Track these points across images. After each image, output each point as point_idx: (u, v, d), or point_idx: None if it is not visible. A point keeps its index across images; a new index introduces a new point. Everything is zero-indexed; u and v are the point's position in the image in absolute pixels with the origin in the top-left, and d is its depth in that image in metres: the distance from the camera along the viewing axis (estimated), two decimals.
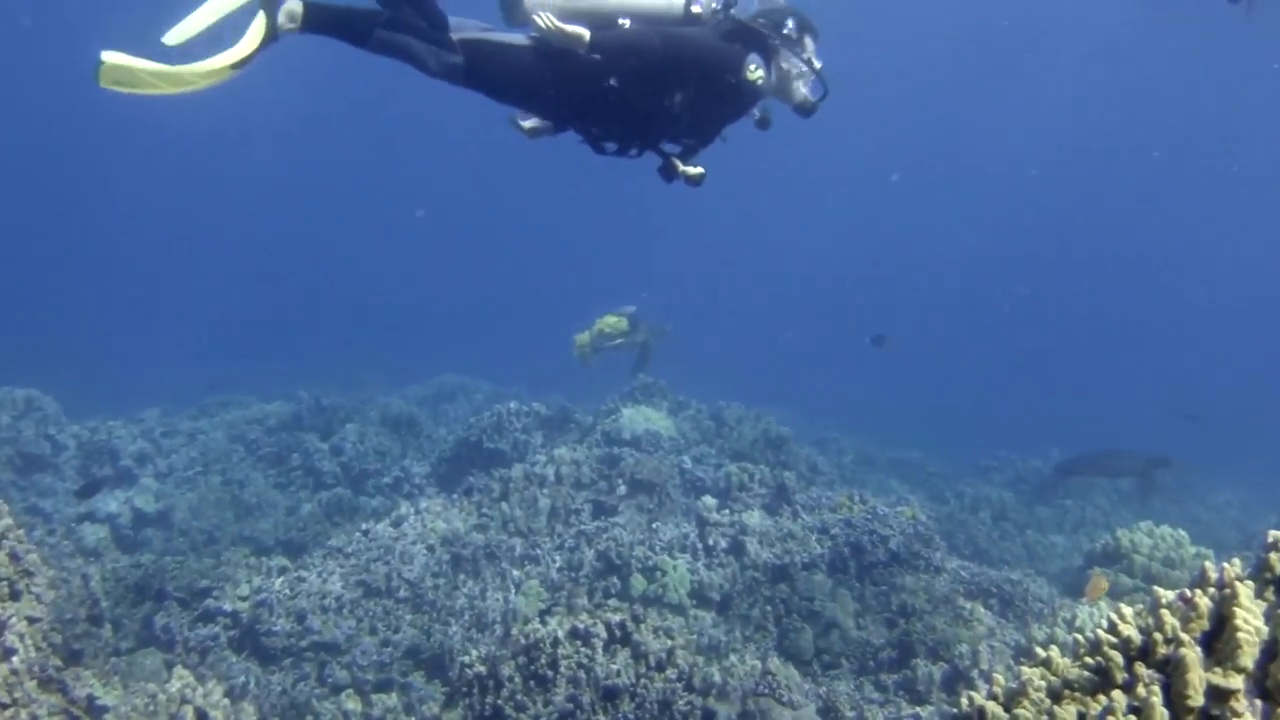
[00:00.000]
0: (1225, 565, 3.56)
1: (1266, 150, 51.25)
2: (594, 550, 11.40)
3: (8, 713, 6.49)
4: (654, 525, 12.12)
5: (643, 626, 8.17)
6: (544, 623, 8.35)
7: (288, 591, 10.51)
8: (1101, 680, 3.48)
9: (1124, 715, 3.16)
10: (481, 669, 7.89)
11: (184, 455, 16.70)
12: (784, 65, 6.39)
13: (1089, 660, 3.57)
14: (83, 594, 9.69)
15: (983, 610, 10.80)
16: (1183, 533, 12.31)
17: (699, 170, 6.52)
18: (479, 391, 24.60)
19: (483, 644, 9.77)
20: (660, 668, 7.90)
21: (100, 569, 11.20)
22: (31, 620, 7.29)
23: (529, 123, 6.69)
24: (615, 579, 10.99)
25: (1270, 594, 3.46)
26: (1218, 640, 3.33)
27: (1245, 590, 3.37)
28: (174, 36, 4.93)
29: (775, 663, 8.25)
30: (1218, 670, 3.20)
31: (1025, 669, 3.72)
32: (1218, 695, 3.16)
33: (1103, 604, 10.88)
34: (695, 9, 6.06)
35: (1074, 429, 29.55)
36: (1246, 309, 59.61)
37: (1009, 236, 63.98)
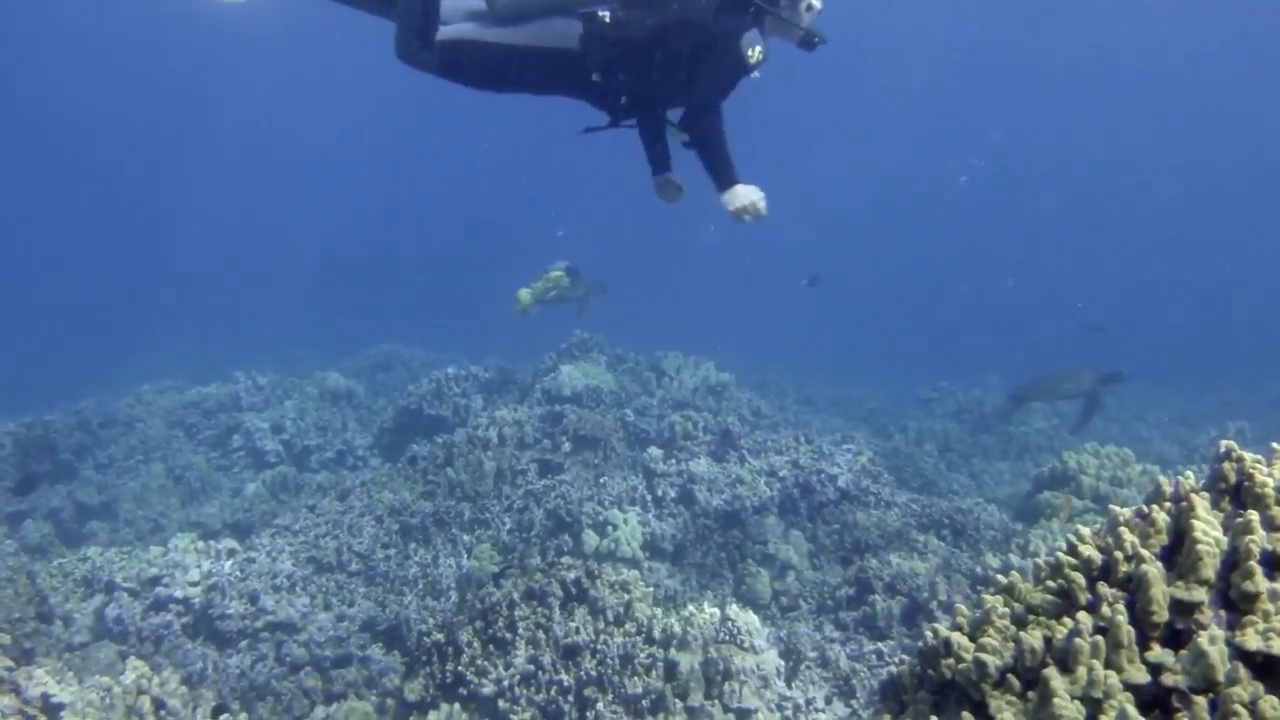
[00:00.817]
0: (1179, 478, 3.55)
1: None
2: (543, 509, 11.36)
3: None
4: (601, 480, 12.10)
5: (598, 582, 8.14)
6: (499, 585, 8.30)
7: (239, 573, 10.42)
8: (1065, 603, 3.46)
9: (1090, 636, 3.14)
10: (439, 636, 7.84)
11: (123, 444, 16.49)
12: (784, 16, 6.28)
13: (1051, 584, 3.55)
14: (29, 592, 9.57)
15: (936, 541, 10.85)
16: (1128, 451, 12.38)
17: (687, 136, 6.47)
18: (415, 359, 24.43)
19: (439, 612, 9.73)
20: (619, 622, 7.88)
21: (45, 565, 11.08)
22: None
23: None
24: (567, 536, 10.96)
25: (1226, 504, 3.45)
26: (1178, 554, 3.31)
27: (1201, 502, 3.36)
28: None
29: (734, 609, 8.22)
30: (1180, 584, 3.18)
31: (988, 597, 3.69)
32: (1182, 609, 3.14)
33: (1055, 526, 10.95)
34: None
35: (1008, 355, 29.83)
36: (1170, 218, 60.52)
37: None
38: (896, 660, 8.44)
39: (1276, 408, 23.58)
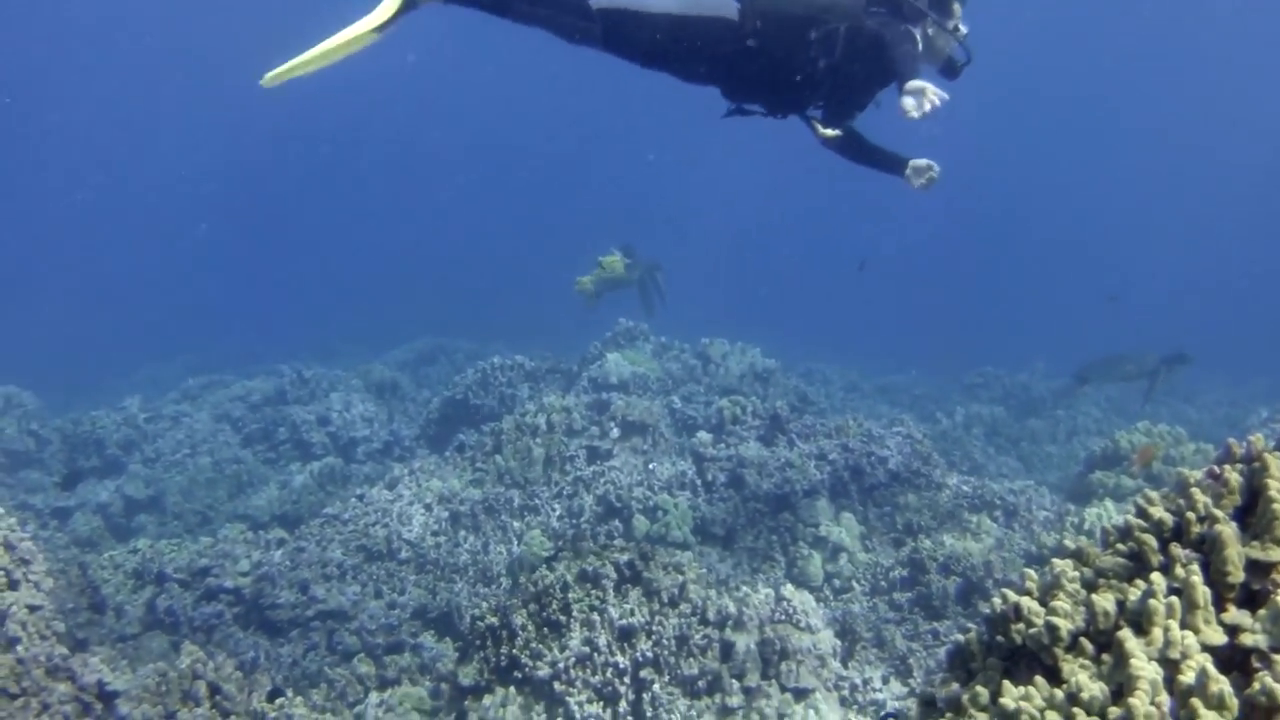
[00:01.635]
0: (1251, 439, 3.49)
1: None
2: (593, 495, 11.35)
3: (18, 702, 6.41)
4: (650, 466, 12.06)
5: (652, 564, 8.11)
6: (551, 569, 8.28)
7: (288, 563, 10.43)
8: (1137, 565, 3.41)
9: (1164, 597, 3.09)
10: (493, 620, 7.82)
11: (170, 439, 16.55)
12: (930, 31, 6.26)
13: (1121, 547, 3.49)
14: (81, 583, 9.61)
15: (989, 522, 10.78)
16: (1181, 430, 12.27)
17: (835, 132, 6.46)
18: (459, 351, 24.42)
19: (491, 597, 9.71)
20: (674, 604, 7.84)
21: (97, 557, 11.12)
22: (33, 609, 7.20)
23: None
24: (617, 521, 10.94)
25: None
26: (1251, 515, 3.26)
27: (1275, 461, 3.30)
28: (274, 78, 5.13)
29: (789, 589, 8.19)
30: (1255, 544, 3.13)
31: (1057, 561, 3.64)
32: (1258, 569, 3.09)
33: (1109, 504, 10.85)
34: None
35: (1053, 339, 29.66)
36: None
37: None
38: (960, 632, 8.41)
39: None
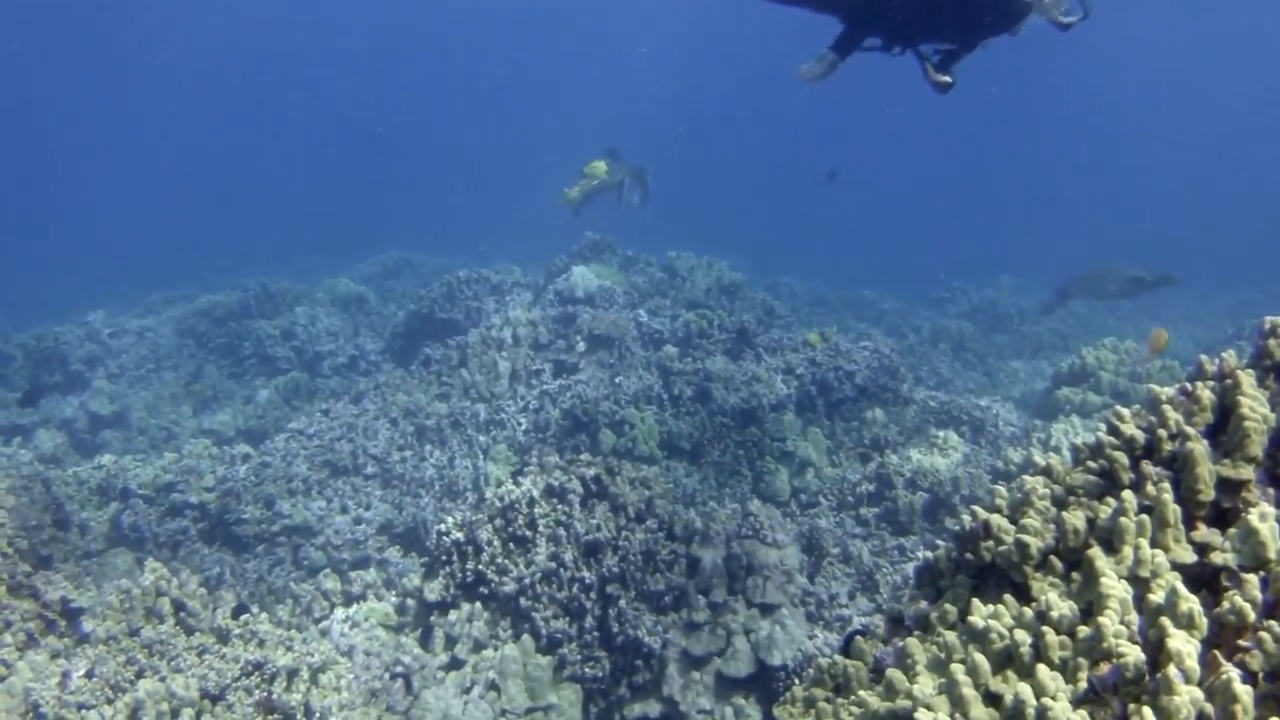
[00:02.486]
0: (1224, 355, 3.46)
1: None
2: (559, 409, 11.30)
3: None
4: (617, 380, 12.02)
5: (618, 479, 8.09)
6: (518, 484, 8.25)
7: (254, 478, 10.38)
8: (1107, 483, 3.39)
9: (1135, 515, 3.06)
10: (459, 535, 7.79)
11: (134, 354, 16.41)
12: None
13: (1092, 464, 3.47)
14: (45, 499, 9.54)
15: (955, 438, 10.79)
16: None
17: (948, 79, 6.45)
18: (425, 265, 24.30)
19: (457, 512, 9.69)
20: (640, 519, 7.83)
21: (61, 474, 11.04)
22: None
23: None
24: (584, 436, 10.90)
25: (1271, 381, 3.36)
26: (1223, 432, 3.23)
27: (1248, 379, 3.28)
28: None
29: (756, 504, 8.20)
30: (1226, 462, 3.11)
31: (1027, 478, 3.62)
32: (1228, 487, 3.07)
33: (1076, 420, 10.88)
34: None
35: (1021, 254, 29.73)
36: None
37: None
38: (927, 549, 8.43)
39: None
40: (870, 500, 9.93)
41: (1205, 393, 3.34)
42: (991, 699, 2.89)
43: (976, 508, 3.61)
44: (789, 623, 7.48)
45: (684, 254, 16.83)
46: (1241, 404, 3.15)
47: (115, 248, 34.96)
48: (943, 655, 3.17)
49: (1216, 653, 2.54)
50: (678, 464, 10.76)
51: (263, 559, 9.72)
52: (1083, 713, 2.59)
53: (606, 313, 13.51)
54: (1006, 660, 2.98)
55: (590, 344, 12.68)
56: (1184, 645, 2.52)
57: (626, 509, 7.84)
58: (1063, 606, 2.94)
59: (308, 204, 46.78)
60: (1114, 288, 14.51)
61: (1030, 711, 2.63)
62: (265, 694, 5.87)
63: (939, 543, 3.89)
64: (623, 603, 7.32)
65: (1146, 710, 2.37)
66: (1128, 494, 3.15)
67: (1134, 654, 2.60)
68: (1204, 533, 2.99)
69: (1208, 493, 3.06)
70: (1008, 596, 3.19)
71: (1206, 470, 3.07)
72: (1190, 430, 3.23)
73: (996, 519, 3.48)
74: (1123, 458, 3.35)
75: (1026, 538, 3.28)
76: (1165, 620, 2.63)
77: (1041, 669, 2.75)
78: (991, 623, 3.06)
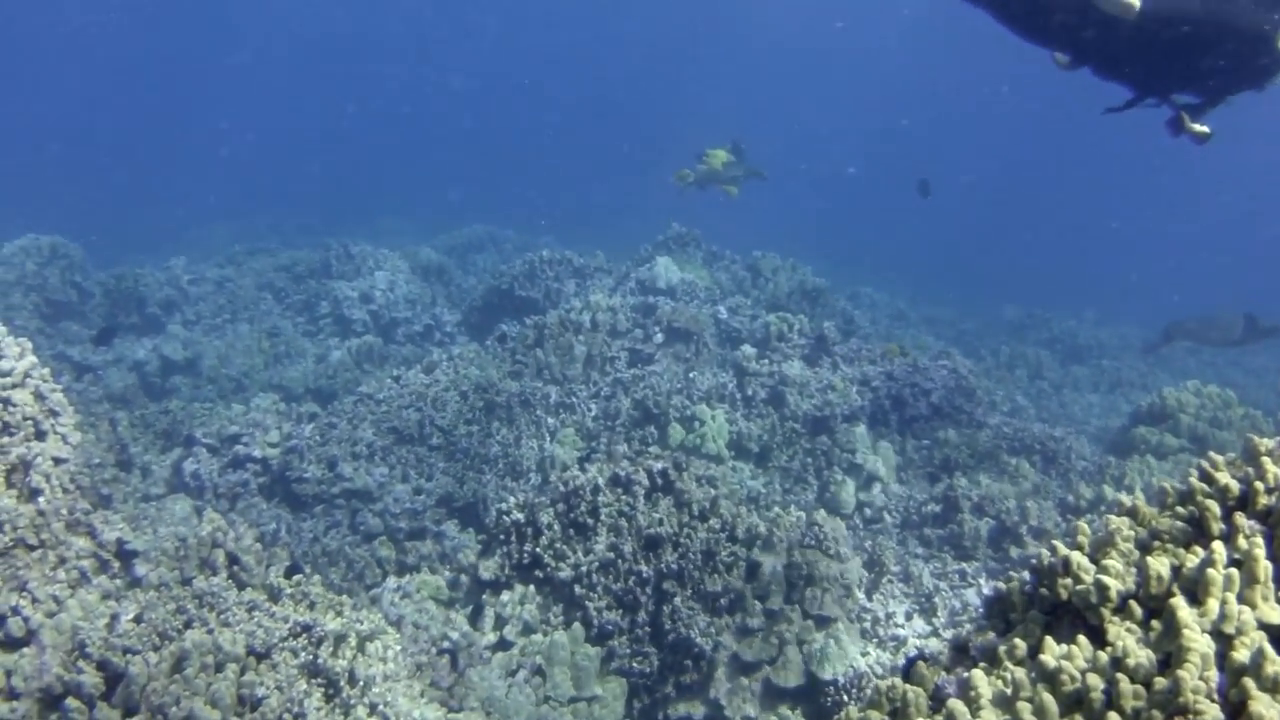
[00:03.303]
0: None
1: None
2: (631, 399, 11.23)
3: (35, 554, 6.37)
4: (691, 375, 11.93)
5: (685, 475, 8.01)
6: (583, 470, 8.18)
7: (318, 438, 10.36)
8: (1195, 531, 3.27)
9: (1224, 568, 2.95)
10: (519, 516, 7.75)
11: (212, 303, 16.53)
12: None
13: (1181, 510, 3.36)
14: (111, 438, 9.59)
15: (1027, 466, 10.63)
16: (1230, 393, 12.06)
17: (1205, 129, 6.34)
18: (508, 241, 24.29)
19: (519, 492, 9.63)
20: (703, 517, 7.75)
21: (128, 414, 11.09)
22: (58, 461, 7.15)
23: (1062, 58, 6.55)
24: (652, 428, 10.82)
25: None
26: None
27: None
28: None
29: (821, 514, 8.08)
30: None
31: (1112, 518, 3.51)
32: None
33: (1151, 461, 10.69)
34: None
35: (1106, 290, 29.39)
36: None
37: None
38: (1000, 578, 8.28)
39: None
40: (935, 522, 9.79)
41: None
42: None
43: (1057, 543, 3.50)
44: (843, 637, 7.38)
45: (769, 254, 16.74)
46: None
47: (206, 197, 35.27)
48: (1009, 691, 3.07)
49: None
50: (744, 465, 10.67)
51: (320, 520, 9.69)
52: None
53: (687, 306, 13.43)
54: (1076, 704, 2.87)
55: (668, 336, 12.61)
56: (1267, 710, 2.41)
57: (691, 506, 7.76)
58: (1140, 655, 2.83)
59: (397, 167, 47.06)
60: (1217, 335, 14.26)
61: None
62: (311, 657, 5.83)
63: (1011, 574, 3.78)
64: (678, 600, 7.25)
65: None
66: (1218, 545, 3.03)
67: (1212, 712, 2.49)
68: None
69: None
70: (1082, 637, 3.08)
71: None
72: None
73: (1077, 556, 3.37)
74: (1214, 506, 3.23)
75: (1107, 579, 3.17)
76: (1249, 682, 2.52)
77: (1113, 716, 2.65)
78: (1064, 663, 2.95)
